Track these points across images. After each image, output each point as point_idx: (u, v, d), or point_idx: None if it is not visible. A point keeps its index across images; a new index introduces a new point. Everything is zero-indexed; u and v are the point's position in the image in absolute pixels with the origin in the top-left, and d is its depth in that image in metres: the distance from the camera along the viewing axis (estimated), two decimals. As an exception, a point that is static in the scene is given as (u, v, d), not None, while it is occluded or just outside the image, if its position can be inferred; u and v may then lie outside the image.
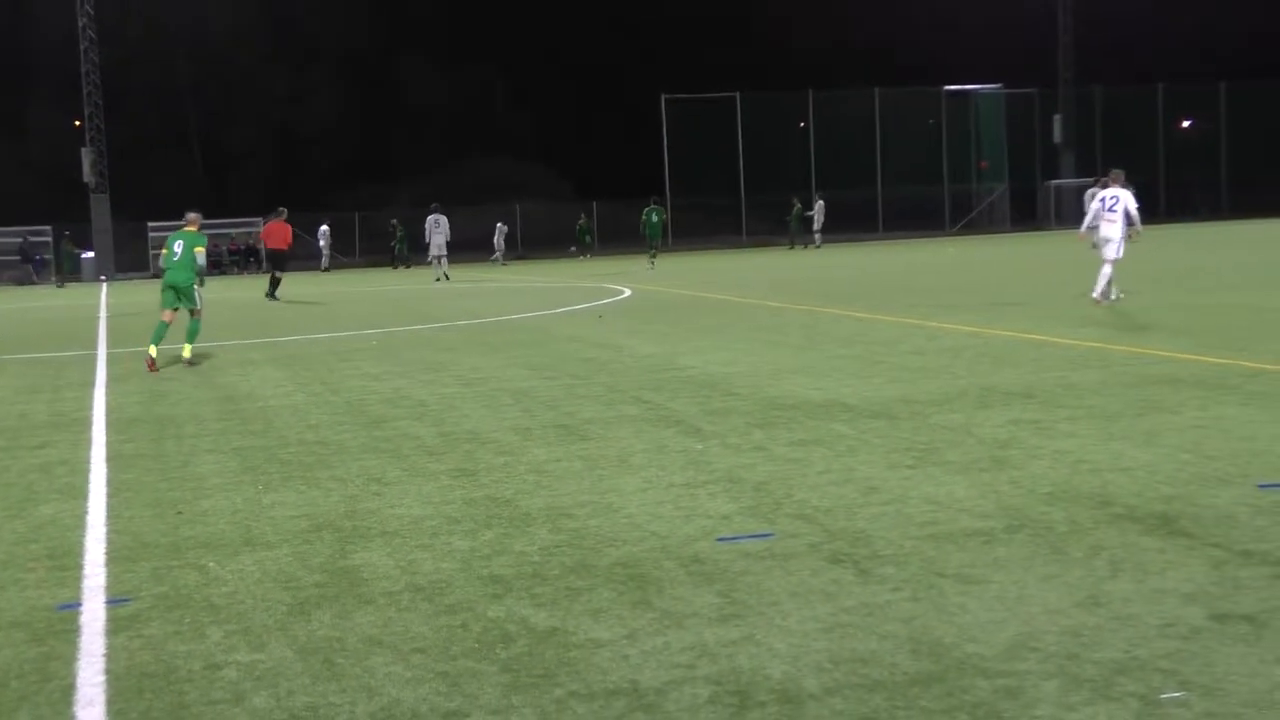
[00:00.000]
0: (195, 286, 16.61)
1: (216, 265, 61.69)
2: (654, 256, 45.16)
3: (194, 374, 15.30)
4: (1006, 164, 72.81)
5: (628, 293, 28.96)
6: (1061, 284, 24.93)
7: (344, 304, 30.44)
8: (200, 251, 16.67)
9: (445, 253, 40.88)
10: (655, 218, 45.53)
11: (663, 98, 66.53)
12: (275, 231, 32.93)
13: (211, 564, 6.41)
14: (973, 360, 13.18)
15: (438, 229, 40.85)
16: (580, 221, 62.18)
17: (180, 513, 7.61)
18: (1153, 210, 68.04)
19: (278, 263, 33.05)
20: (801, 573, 5.78)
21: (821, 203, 59.38)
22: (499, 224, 56.90)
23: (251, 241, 63.48)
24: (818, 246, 57.48)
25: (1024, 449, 8.36)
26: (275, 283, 32.59)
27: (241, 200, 68.80)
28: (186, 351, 16.70)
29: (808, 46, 78.84)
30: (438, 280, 39.42)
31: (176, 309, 16.63)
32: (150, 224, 61.23)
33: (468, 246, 64.15)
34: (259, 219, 63.72)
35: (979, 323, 17.14)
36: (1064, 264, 33.15)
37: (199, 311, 16.79)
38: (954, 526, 6.46)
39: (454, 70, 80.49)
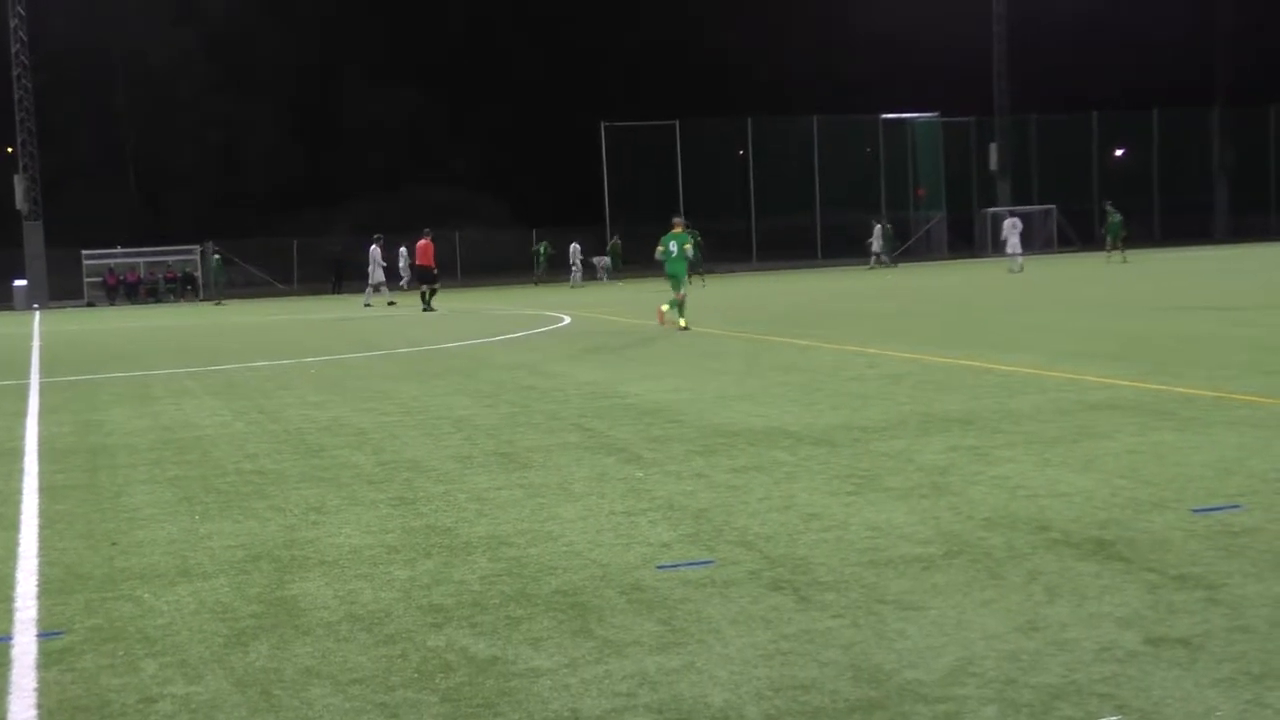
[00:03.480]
0: (686, 276, 24.19)
1: (152, 294, 61.15)
2: (702, 276, 48.21)
3: (127, 404, 15.13)
4: (944, 191, 73.61)
5: (567, 320, 28.96)
6: (998, 311, 25.18)
7: (283, 331, 30.24)
8: (688, 247, 24.36)
9: (384, 279, 43.18)
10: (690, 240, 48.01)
11: (602, 125, 66.71)
12: (422, 250, 37.99)
13: (146, 595, 6.33)
14: (913, 387, 13.27)
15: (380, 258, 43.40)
16: (612, 242, 61.72)
17: (114, 544, 7.51)
18: (1087, 238, 69.03)
19: (425, 278, 37.85)
20: (742, 600, 5.78)
21: (879, 227, 59.61)
22: (574, 244, 57.49)
23: (185, 271, 62.90)
24: (886, 265, 58.06)
25: (963, 475, 8.42)
26: (428, 295, 37.29)
27: (178, 228, 68.26)
28: (682, 322, 23.60)
29: (747, 75, 79.32)
30: (367, 305, 41.95)
31: (680, 289, 24.01)
32: (85, 252, 60.52)
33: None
34: (195, 246, 63.34)
35: (919, 349, 17.27)
36: (999, 291, 33.48)
37: (683, 295, 23.88)
38: (894, 553, 6.49)
39: (395, 96, 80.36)
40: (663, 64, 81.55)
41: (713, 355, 18.14)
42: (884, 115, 72.96)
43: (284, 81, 79.33)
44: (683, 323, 23.57)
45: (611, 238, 61.72)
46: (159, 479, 9.69)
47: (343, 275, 63.31)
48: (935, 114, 73.75)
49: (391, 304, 40.82)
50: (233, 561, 6.95)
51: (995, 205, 72.20)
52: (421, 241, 38.16)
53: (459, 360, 19.33)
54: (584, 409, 12.73)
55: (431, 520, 7.77)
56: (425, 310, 36.26)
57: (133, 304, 59.61)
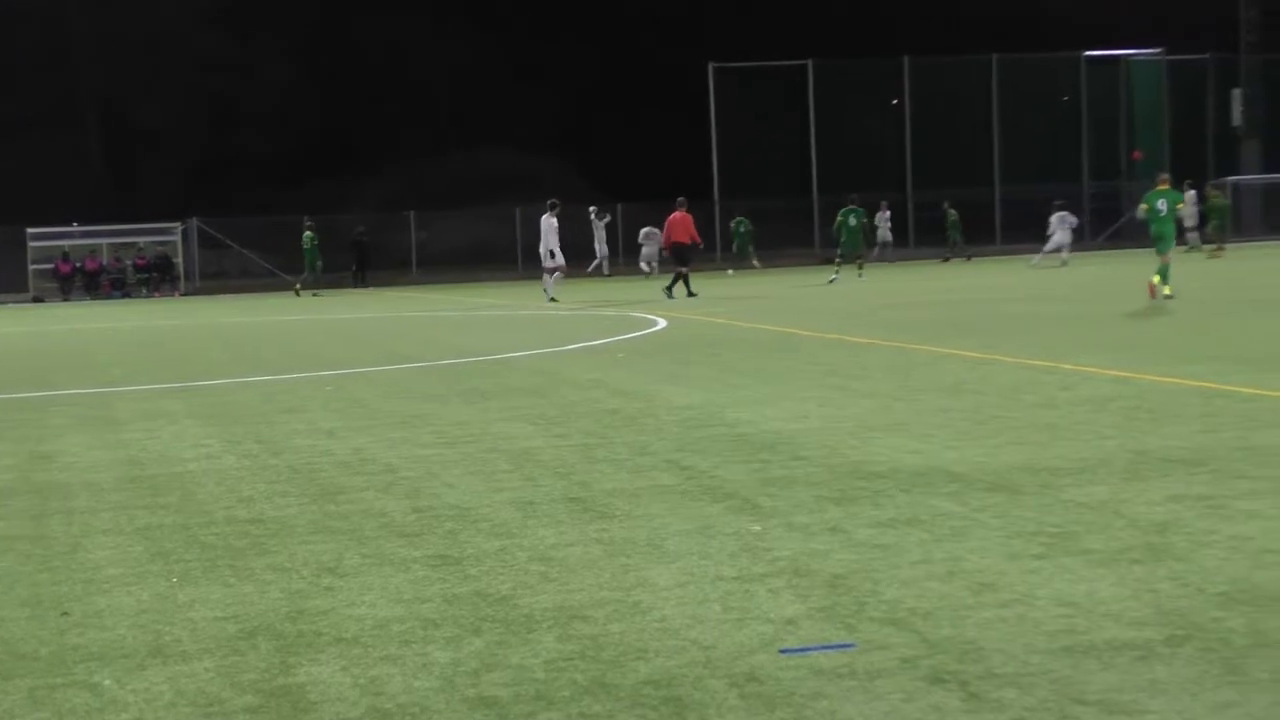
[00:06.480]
0: (1172, 235, 29.76)
1: (118, 286, 61.95)
2: (860, 267, 50.64)
3: (86, 430, 15.36)
4: (1167, 155, 72.48)
5: (662, 324, 29.02)
6: (1246, 309, 24.86)
7: (289, 338, 30.55)
8: (1180, 206, 30.37)
9: (563, 262, 43.97)
10: (854, 220, 49.71)
11: (710, 68, 66.76)
12: (678, 224, 42.10)
13: (107, 682, 6.41)
14: (1121, 415, 13.15)
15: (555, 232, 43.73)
16: (948, 213, 61.64)
17: (67, 614, 7.62)
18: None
19: (682, 257, 41.83)
20: (892, 696, 5.77)
21: (1194, 193, 57.94)
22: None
23: (161, 256, 63.63)
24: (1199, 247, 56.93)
25: (1191, 534, 8.33)
26: (682, 279, 40.79)
27: (153, 200, 68.98)
28: (1167, 290, 28.21)
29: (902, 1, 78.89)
30: (553, 299, 42.08)
31: (1168, 252, 29.14)
32: (30, 230, 61.01)
33: (456, 259, 64.43)
34: (175, 225, 64.07)
35: (1130, 365, 17.11)
36: (1249, 284, 33.04)
37: (1169, 257, 29.06)
38: (1096, 637, 6.44)
39: (439, 36, 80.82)
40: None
41: (852, 372, 18.09)
42: (1087, 53, 72.22)
43: (297, 14, 80.00)
44: (1167, 290, 28.17)
45: (945, 207, 60.07)
46: (126, 529, 9.82)
47: (367, 263, 63.72)
48: (1158, 50, 72.82)
49: (553, 300, 41.66)
50: (222, 638, 7.02)
51: (1239, 173, 71.08)
52: (676, 214, 42.23)
53: (517, 376, 19.41)
54: (682, 441, 12.75)
55: (482, 586, 7.82)
56: (690, 296, 39.61)
57: (93, 299, 60.42)
